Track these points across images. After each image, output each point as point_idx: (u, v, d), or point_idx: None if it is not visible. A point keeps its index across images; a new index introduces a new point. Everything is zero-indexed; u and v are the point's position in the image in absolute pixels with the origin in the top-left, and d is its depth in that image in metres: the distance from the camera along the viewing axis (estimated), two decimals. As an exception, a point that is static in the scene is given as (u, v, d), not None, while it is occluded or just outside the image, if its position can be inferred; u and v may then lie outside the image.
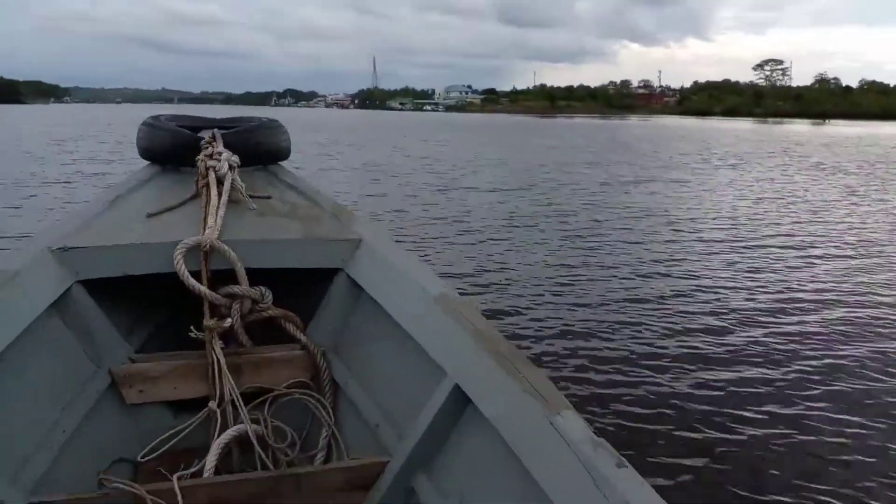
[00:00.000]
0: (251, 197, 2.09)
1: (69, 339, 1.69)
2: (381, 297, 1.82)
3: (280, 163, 2.57)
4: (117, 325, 1.81)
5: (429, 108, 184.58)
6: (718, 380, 3.74)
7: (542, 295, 5.42)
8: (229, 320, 1.78)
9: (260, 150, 2.44)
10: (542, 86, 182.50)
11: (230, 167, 2.06)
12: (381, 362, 1.83)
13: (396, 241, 2.34)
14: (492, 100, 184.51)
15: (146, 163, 2.46)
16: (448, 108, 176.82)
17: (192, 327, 1.74)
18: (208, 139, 2.21)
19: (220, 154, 2.09)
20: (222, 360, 1.72)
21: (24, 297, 1.55)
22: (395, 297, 1.79)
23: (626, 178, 14.85)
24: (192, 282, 1.70)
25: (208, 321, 1.74)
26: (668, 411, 3.35)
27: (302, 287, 2.03)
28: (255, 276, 1.83)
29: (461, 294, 2.06)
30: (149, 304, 2.05)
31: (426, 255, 6.60)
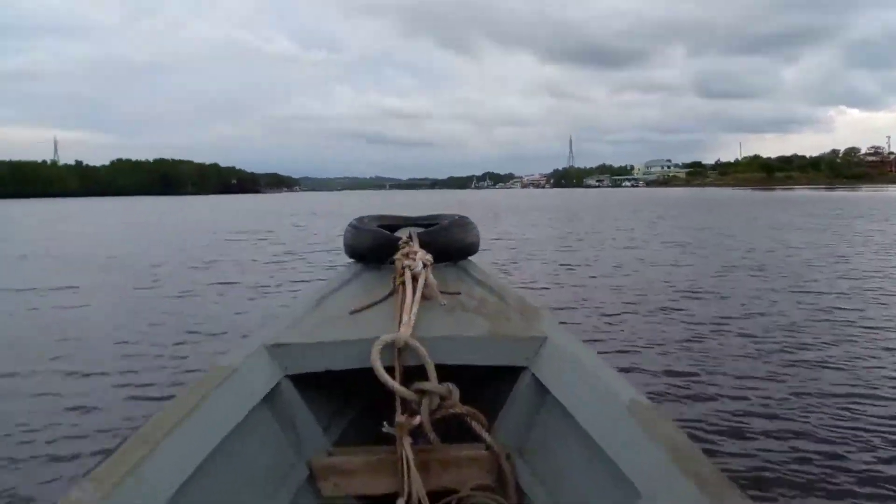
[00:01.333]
0: (442, 293, 2.15)
1: (276, 430, 1.79)
2: (566, 400, 1.71)
3: (469, 258, 2.66)
4: (317, 418, 1.90)
5: (628, 184, 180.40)
6: None
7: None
8: (419, 417, 1.78)
9: (451, 247, 2.62)
10: (756, 156, 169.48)
11: (424, 265, 2.15)
12: (568, 472, 1.68)
13: (583, 341, 2.23)
14: (698, 173, 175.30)
15: (351, 260, 2.71)
16: (648, 184, 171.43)
17: (384, 423, 1.79)
18: (405, 239, 2.37)
19: (415, 253, 2.21)
20: (411, 458, 1.72)
21: (242, 391, 1.68)
22: (582, 401, 1.66)
23: None
24: (386, 378, 1.75)
25: (400, 417, 1.75)
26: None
27: (487, 384, 1.98)
28: (442, 371, 1.83)
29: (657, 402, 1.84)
30: (345, 398, 2.14)
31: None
